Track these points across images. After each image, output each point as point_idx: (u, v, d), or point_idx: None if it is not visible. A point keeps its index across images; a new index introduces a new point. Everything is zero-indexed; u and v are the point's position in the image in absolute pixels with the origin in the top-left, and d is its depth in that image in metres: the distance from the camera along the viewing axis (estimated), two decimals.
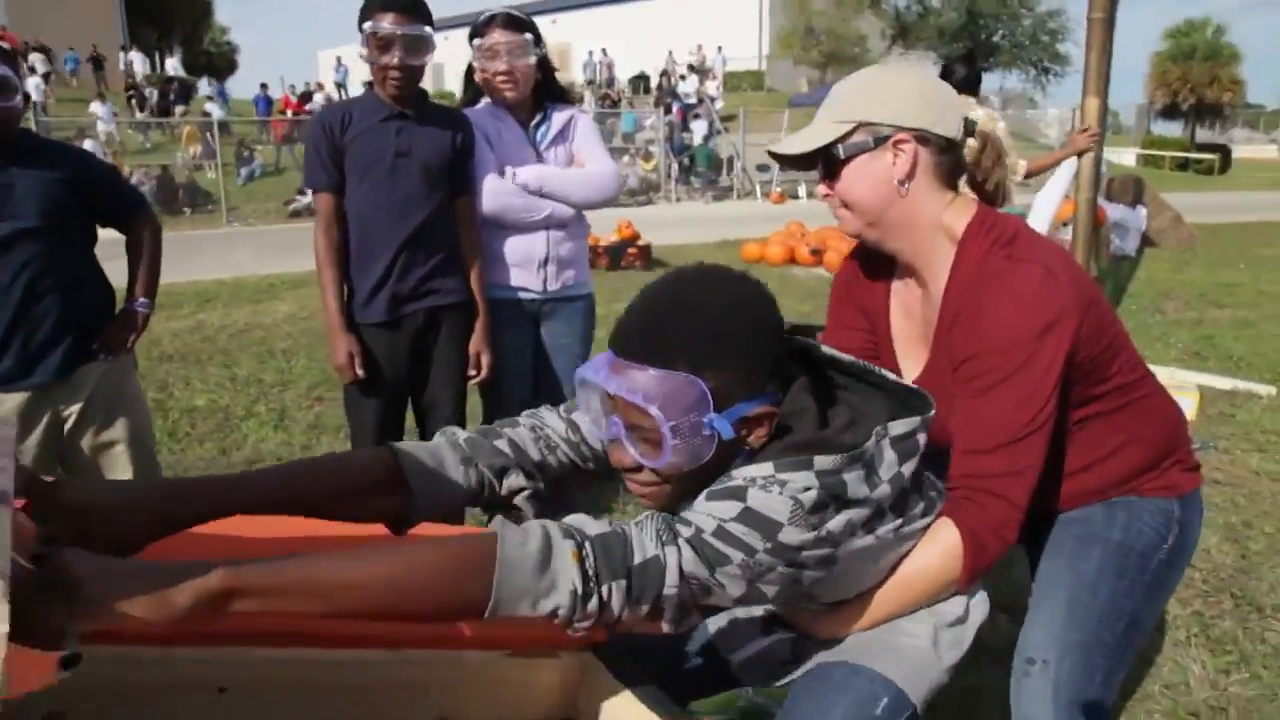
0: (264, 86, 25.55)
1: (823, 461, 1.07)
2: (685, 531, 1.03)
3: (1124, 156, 27.09)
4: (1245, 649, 2.30)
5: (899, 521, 1.20)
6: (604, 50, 30.78)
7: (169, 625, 0.81)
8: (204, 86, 37.04)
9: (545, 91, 2.65)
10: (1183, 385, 4.36)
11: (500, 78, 2.52)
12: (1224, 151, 33.08)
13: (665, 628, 1.08)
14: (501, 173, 2.55)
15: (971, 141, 1.45)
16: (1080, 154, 4.28)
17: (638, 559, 1.01)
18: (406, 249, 2.42)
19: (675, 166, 20.56)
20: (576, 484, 1.34)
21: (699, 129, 21.76)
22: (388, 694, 1.13)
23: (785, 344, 1.19)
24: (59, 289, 2.32)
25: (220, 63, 44.04)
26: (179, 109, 23.19)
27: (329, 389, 4.85)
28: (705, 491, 1.08)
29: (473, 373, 2.59)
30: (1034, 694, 1.36)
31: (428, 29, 2.33)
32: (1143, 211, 9.58)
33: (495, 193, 2.54)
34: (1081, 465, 1.45)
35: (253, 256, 10.81)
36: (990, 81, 33.48)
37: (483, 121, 2.57)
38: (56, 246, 2.32)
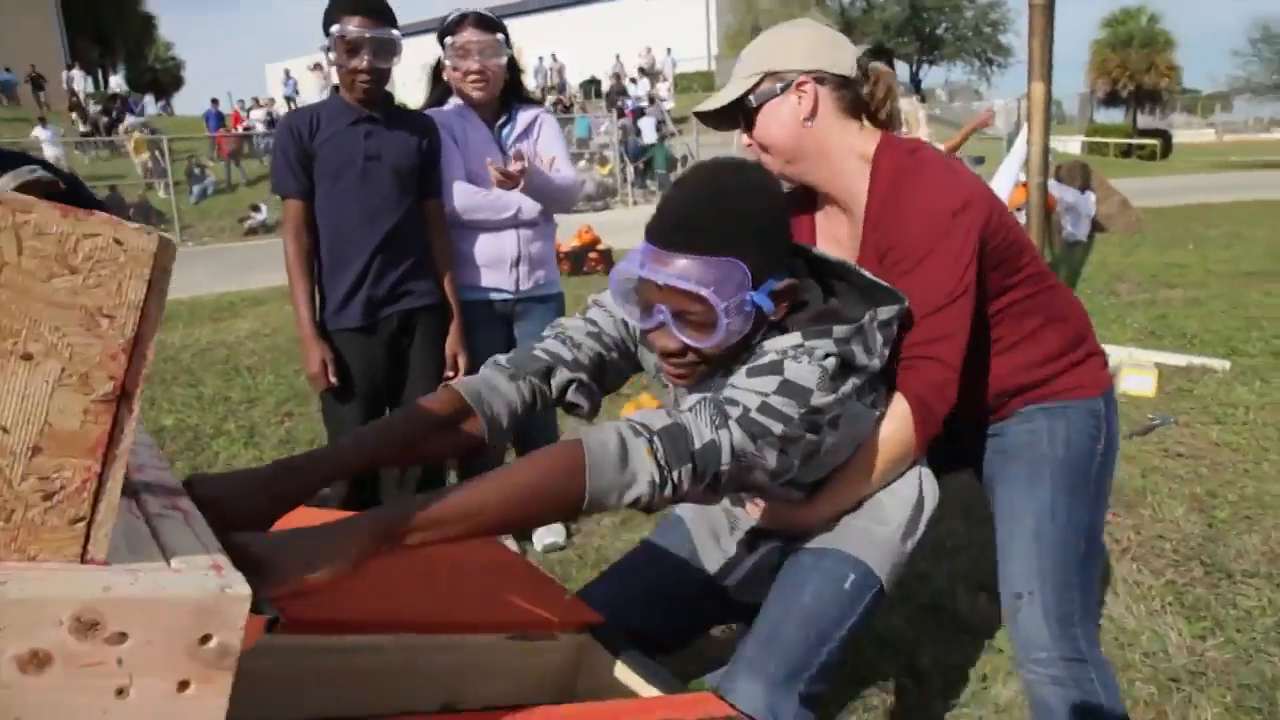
0: (215, 102, 25.19)
1: (839, 330, 1.23)
2: (734, 412, 1.14)
3: (1070, 145, 27.61)
4: (1218, 614, 2.37)
5: (874, 395, 1.37)
6: (554, 55, 30.75)
7: (344, 575, 0.90)
8: (149, 104, 36.47)
9: (511, 92, 2.67)
10: (1140, 364, 4.47)
11: (472, 76, 2.54)
12: (1165, 137, 33.88)
13: (715, 497, 1.26)
14: (470, 180, 2.56)
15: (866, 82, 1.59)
16: (978, 129, 4.47)
17: (698, 444, 1.12)
18: (380, 253, 2.42)
19: (631, 170, 20.61)
20: (603, 379, 1.45)
21: (647, 126, 21.83)
22: (393, 679, 1.15)
23: None
24: None
25: (165, 79, 43.38)
26: (125, 123, 22.73)
27: (298, 404, 4.81)
28: (745, 368, 1.20)
29: (449, 374, 2.59)
30: (1028, 624, 1.51)
31: (395, 32, 2.34)
32: (1091, 197, 9.79)
33: (462, 191, 2.55)
34: (1006, 347, 1.59)
35: (210, 276, 10.67)
36: (936, 74, 34.01)
37: (449, 121, 2.58)
38: None
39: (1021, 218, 4.50)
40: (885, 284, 1.34)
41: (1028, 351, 1.59)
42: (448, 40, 2.54)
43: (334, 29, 2.29)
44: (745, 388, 1.17)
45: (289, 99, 29.55)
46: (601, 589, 1.55)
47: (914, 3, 31.99)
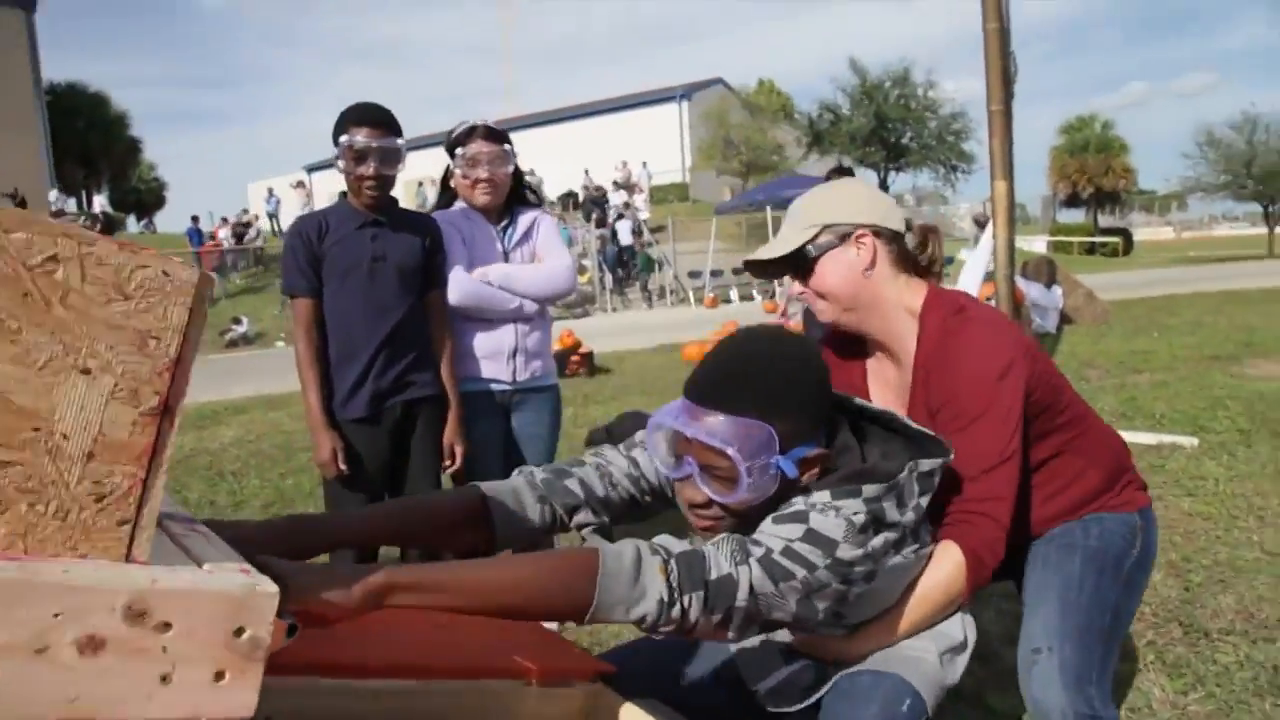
0: (195, 219, 25.65)
1: (869, 490, 1.25)
2: (756, 552, 1.19)
3: (1035, 244, 28.44)
4: (1199, 670, 2.42)
5: (917, 545, 1.37)
6: (532, 170, 31.57)
7: (344, 613, 0.96)
8: (131, 223, 36.91)
9: (514, 197, 2.82)
10: None
11: (481, 185, 2.69)
12: (1126, 235, 35.00)
13: (730, 635, 1.23)
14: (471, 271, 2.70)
15: (909, 235, 1.70)
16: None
17: (714, 575, 1.15)
18: (386, 347, 2.52)
19: (609, 278, 21.01)
20: (634, 517, 1.48)
21: (624, 229, 22.34)
22: None
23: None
24: None
25: (149, 199, 44.09)
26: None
27: (283, 506, 4.82)
28: (771, 516, 1.24)
29: (447, 462, 2.67)
30: (1043, 677, 1.53)
31: (400, 141, 2.49)
32: (1058, 290, 10.09)
33: (466, 289, 2.67)
34: (1050, 493, 1.69)
35: (192, 386, 10.62)
36: (903, 181, 35.15)
37: (457, 222, 2.73)
38: None
39: None
40: (933, 434, 1.40)
41: (1072, 495, 1.70)
42: (458, 151, 2.69)
43: (343, 139, 2.44)
44: (770, 533, 1.22)
45: (271, 216, 30.13)
46: (625, 652, 1.58)
47: (879, 114, 33.24)
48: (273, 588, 0.79)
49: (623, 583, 1.10)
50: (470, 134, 2.68)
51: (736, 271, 22.50)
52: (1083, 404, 1.74)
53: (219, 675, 0.76)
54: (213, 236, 24.75)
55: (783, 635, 1.55)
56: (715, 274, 21.73)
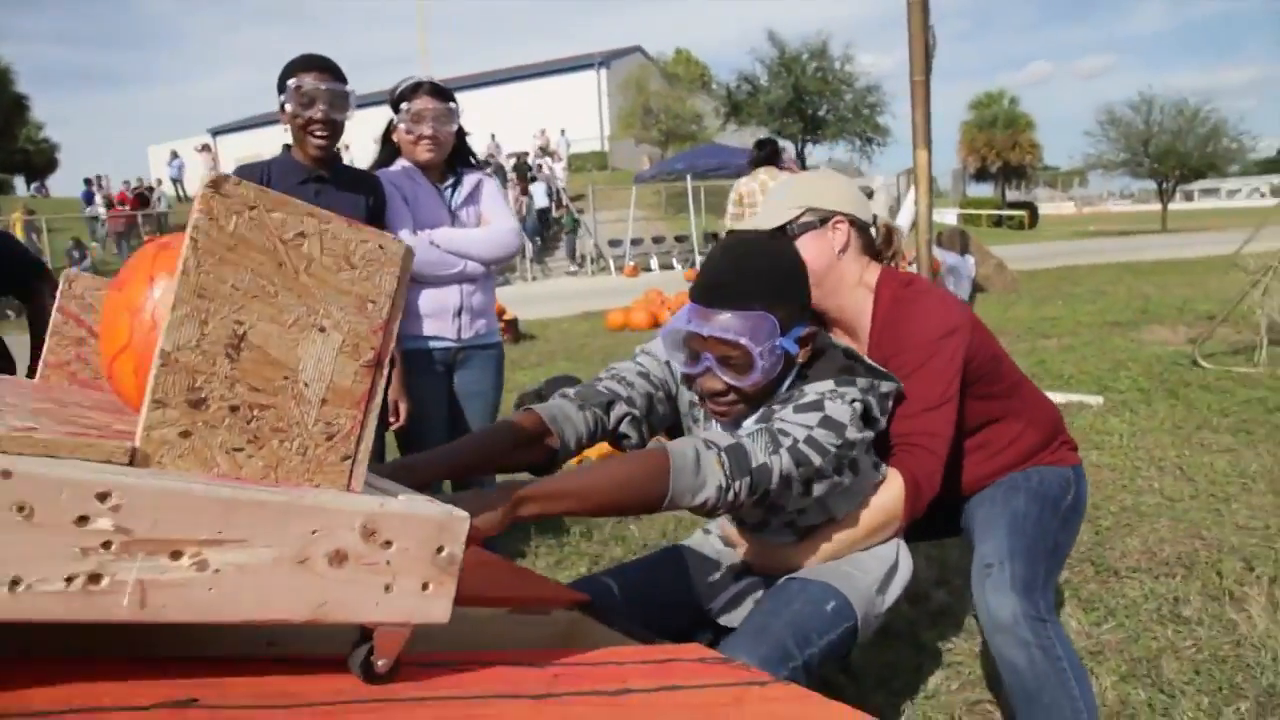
0: (88, 182, 24.51)
1: (860, 381, 1.49)
2: (785, 442, 1.38)
3: (946, 216, 29.16)
4: (1109, 604, 2.61)
5: (875, 459, 1.59)
6: (494, 135, 30.93)
7: (493, 528, 1.14)
8: (19, 186, 35.03)
9: (457, 156, 2.79)
10: None
11: (425, 141, 2.64)
12: (1032, 209, 36.24)
13: (756, 510, 1.53)
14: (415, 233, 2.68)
15: (875, 230, 1.91)
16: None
17: (754, 463, 1.34)
18: None
19: (530, 246, 20.87)
20: (654, 410, 1.67)
21: (539, 191, 22.20)
22: None
23: None
24: None
25: (39, 160, 41.84)
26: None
27: None
28: (791, 406, 1.44)
29: (391, 419, 2.67)
30: (996, 586, 1.67)
31: (348, 87, 2.46)
32: (971, 260, 10.44)
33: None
34: (993, 452, 1.89)
35: None
36: (819, 153, 35.64)
37: (399, 182, 2.68)
38: None
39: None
40: (885, 370, 1.60)
41: (1011, 454, 1.90)
42: (403, 106, 2.63)
43: (291, 82, 2.39)
44: (794, 421, 1.40)
45: (175, 180, 29.00)
46: (594, 583, 1.67)
47: (796, 87, 33.56)
48: (463, 513, 0.91)
49: (689, 474, 1.28)
50: (416, 89, 2.64)
51: (657, 240, 22.61)
52: (1020, 374, 1.94)
53: (425, 586, 0.88)
54: (120, 200, 23.68)
55: (733, 555, 1.73)
56: (635, 242, 21.77)
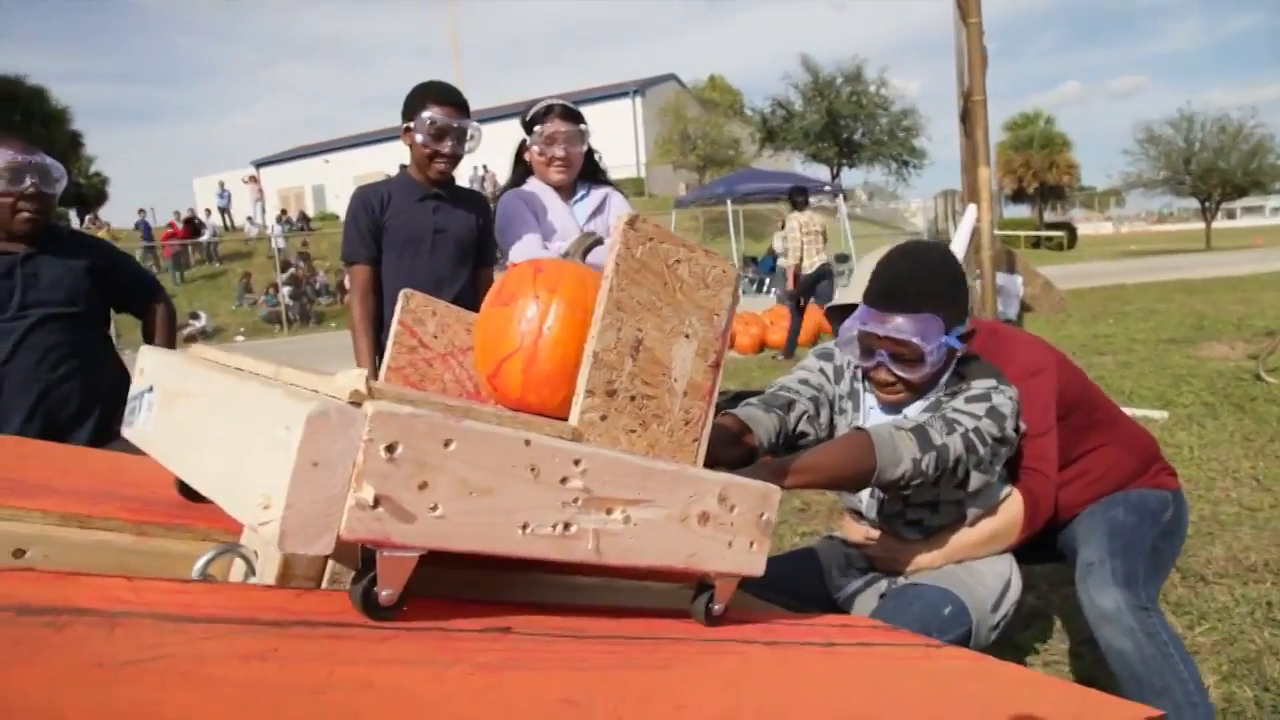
0: (142, 212, 25.23)
1: (1007, 388, 1.65)
2: (958, 428, 1.56)
3: None
4: (1200, 608, 2.65)
5: (1004, 472, 1.72)
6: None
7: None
8: (73, 220, 35.93)
9: (586, 173, 2.91)
10: None
11: (557, 163, 2.76)
12: (1070, 229, 35.96)
13: (936, 492, 1.68)
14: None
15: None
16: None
17: (938, 441, 1.53)
18: None
19: None
20: (820, 411, 1.86)
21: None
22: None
23: None
24: (82, 369, 2.44)
25: (90, 194, 42.96)
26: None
27: None
28: (962, 397, 1.63)
29: None
30: (1097, 582, 1.74)
31: (473, 123, 2.62)
32: (1018, 279, 10.46)
33: (534, 255, 2.78)
34: (1092, 480, 1.98)
35: None
36: (854, 176, 35.72)
37: (531, 195, 2.80)
38: (79, 330, 2.46)
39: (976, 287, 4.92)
40: None
41: (1110, 479, 1.99)
42: (536, 129, 2.76)
43: (424, 114, 2.56)
44: (964, 411, 1.58)
45: (223, 210, 29.70)
46: None
47: (831, 110, 33.74)
48: (776, 487, 1.10)
49: (888, 450, 1.48)
50: (548, 113, 2.75)
51: None
52: (1113, 405, 2.05)
53: (751, 544, 1.07)
54: (171, 228, 24.40)
55: (859, 555, 1.88)
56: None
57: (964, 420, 1.56)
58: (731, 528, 1.02)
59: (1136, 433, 2.05)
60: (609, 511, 0.91)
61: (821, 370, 1.89)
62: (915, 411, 1.68)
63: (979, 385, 1.63)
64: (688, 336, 1.04)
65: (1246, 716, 2.05)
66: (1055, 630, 2.58)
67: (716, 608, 1.05)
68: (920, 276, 1.64)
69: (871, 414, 1.79)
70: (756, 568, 1.06)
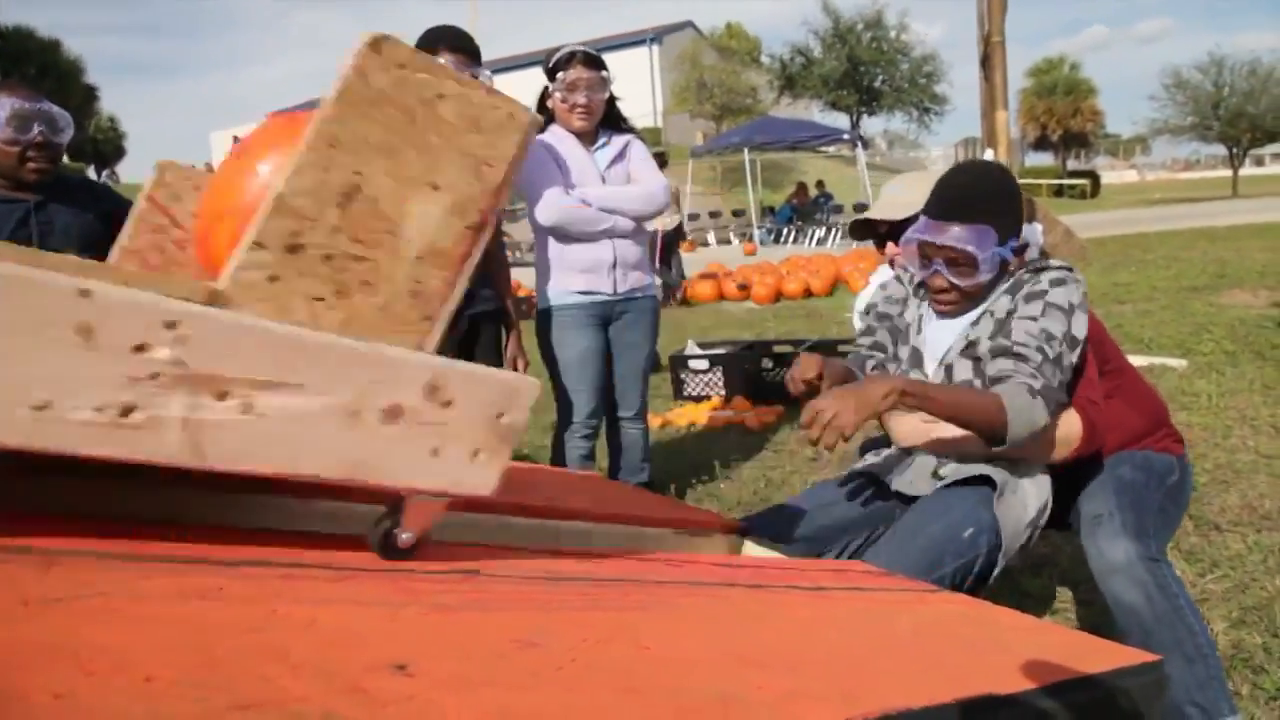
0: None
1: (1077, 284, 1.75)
2: (1034, 361, 1.66)
3: None
4: (1213, 556, 2.61)
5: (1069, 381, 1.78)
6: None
7: (881, 399, 1.50)
8: (90, 175, 36.03)
9: (608, 120, 2.90)
10: None
11: (579, 110, 2.76)
12: (1093, 177, 35.36)
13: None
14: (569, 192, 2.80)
15: None
16: None
17: (1056, 387, 1.65)
18: None
19: None
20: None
21: None
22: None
23: None
24: None
25: (107, 149, 43.02)
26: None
27: None
28: (1020, 310, 1.72)
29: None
30: (1106, 534, 1.71)
31: (486, 71, 2.60)
32: (1039, 227, 10.28)
33: (561, 209, 2.76)
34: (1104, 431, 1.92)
35: None
36: (875, 124, 35.19)
37: (552, 143, 2.79)
38: None
39: None
40: None
41: (1118, 436, 1.94)
42: (558, 75, 2.75)
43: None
44: (1025, 331, 1.68)
45: None
46: (752, 516, 1.84)
47: (851, 57, 33.11)
48: (535, 382, 0.90)
49: (1022, 421, 1.59)
50: (570, 60, 2.73)
51: (713, 215, 22.55)
52: (1127, 362, 2.02)
53: (475, 454, 0.84)
54: None
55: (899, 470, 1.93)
56: (692, 217, 21.71)
57: (1055, 330, 1.67)
58: (442, 429, 0.80)
59: (1146, 392, 2.02)
60: (221, 397, 0.68)
61: (869, 328, 2.03)
62: (977, 316, 1.79)
63: (1045, 279, 1.73)
64: (436, 188, 0.84)
65: (1255, 663, 2.03)
66: (1063, 581, 2.56)
67: (404, 535, 0.82)
68: (977, 190, 1.74)
69: (928, 325, 1.89)
70: (481, 485, 0.83)
